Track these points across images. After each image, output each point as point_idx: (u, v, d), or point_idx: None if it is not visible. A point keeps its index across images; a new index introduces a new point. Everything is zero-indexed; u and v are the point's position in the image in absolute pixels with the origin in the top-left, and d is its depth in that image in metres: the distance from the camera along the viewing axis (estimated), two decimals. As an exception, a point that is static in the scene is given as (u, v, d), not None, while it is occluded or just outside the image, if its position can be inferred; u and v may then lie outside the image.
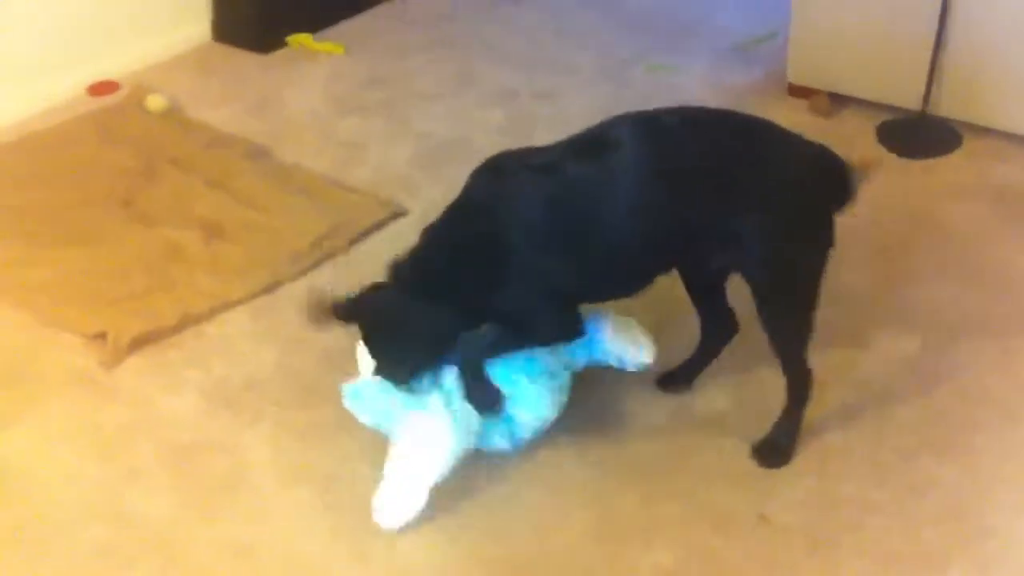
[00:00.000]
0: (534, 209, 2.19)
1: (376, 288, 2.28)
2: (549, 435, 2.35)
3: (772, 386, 2.53)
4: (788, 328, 2.28)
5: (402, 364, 2.27)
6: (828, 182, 2.27)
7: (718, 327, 2.49)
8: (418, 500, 2.17)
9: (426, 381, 2.28)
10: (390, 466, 2.20)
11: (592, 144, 2.23)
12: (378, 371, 2.31)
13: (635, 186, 2.17)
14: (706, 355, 2.53)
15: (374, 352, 2.30)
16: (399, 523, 2.18)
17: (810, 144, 2.27)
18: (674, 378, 2.53)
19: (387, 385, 2.26)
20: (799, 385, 2.33)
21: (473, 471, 2.28)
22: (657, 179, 2.17)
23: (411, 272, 2.25)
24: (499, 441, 2.28)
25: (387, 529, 2.18)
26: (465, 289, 2.21)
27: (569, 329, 2.31)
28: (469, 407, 2.21)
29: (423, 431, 2.17)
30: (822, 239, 2.26)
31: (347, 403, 2.29)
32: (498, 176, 2.26)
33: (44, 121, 3.65)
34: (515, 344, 2.28)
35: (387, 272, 2.28)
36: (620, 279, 2.30)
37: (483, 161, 2.29)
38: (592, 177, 2.19)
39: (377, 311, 2.27)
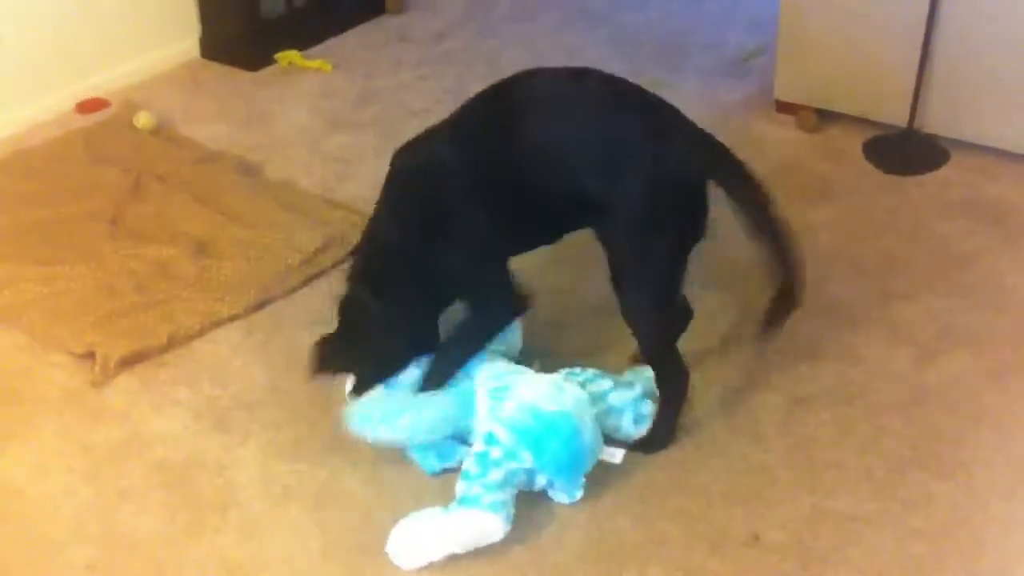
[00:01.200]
0: (451, 170, 2.30)
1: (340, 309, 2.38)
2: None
3: (763, 405, 2.54)
4: (637, 310, 2.33)
5: (382, 367, 2.36)
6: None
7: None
8: (436, 556, 2.17)
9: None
10: (430, 522, 2.17)
11: (497, 97, 2.35)
12: (357, 386, 2.37)
13: (529, 136, 2.27)
14: None
15: (354, 367, 2.37)
16: (407, 565, 2.17)
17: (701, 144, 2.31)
18: None
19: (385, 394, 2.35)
20: (665, 381, 2.38)
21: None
22: (544, 133, 2.26)
23: (364, 269, 2.36)
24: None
25: (396, 563, 2.17)
26: (417, 264, 2.31)
27: (509, 295, 2.41)
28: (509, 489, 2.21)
29: (477, 529, 2.16)
30: (678, 226, 2.28)
31: (355, 427, 2.33)
32: (412, 150, 2.37)
33: (32, 139, 3.64)
34: (476, 337, 2.38)
35: (347, 280, 2.38)
36: (533, 226, 2.37)
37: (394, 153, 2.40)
38: (494, 128, 2.31)
39: (347, 327, 2.35)
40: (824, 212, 3.21)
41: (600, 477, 2.33)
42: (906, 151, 3.51)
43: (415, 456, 2.36)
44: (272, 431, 2.50)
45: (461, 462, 2.27)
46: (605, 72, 2.34)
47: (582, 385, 2.35)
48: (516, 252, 2.44)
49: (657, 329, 2.37)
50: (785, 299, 2.32)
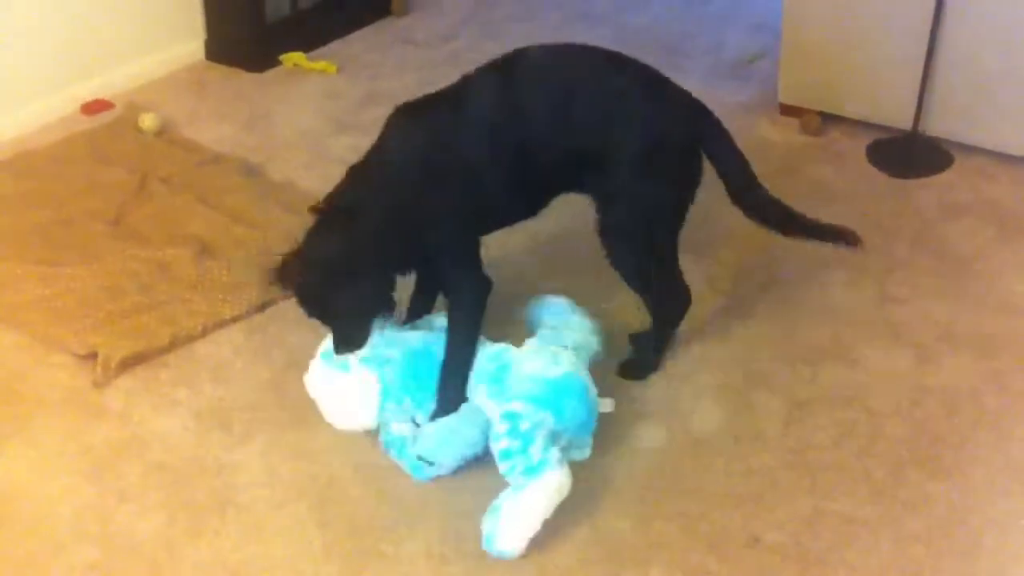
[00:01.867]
0: (445, 135, 2.36)
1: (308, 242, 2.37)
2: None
3: (763, 407, 2.54)
4: (626, 260, 2.44)
5: (359, 314, 2.34)
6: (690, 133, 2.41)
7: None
8: (535, 531, 2.20)
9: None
10: (517, 504, 2.18)
11: (492, 72, 2.42)
12: (337, 338, 2.34)
13: (523, 106, 2.36)
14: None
15: (328, 312, 2.34)
16: (518, 551, 2.18)
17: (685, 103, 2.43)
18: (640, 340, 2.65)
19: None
20: (662, 303, 2.49)
21: (469, 492, 2.27)
22: (537, 101, 2.36)
23: (348, 210, 2.34)
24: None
25: (507, 555, 2.17)
26: (400, 221, 2.31)
27: (481, 278, 2.42)
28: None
29: (556, 488, 2.19)
30: (678, 180, 2.41)
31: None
32: (409, 115, 2.41)
33: (37, 140, 3.65)
34: (469, 326, 2.39)
35: (319, 211, 2.37)
36: (522, 193, 2.43)
37: (394, 109, 2.42)
38: (489, 101, 2.38)
39: (317, 268, 2.34)
40: (827, 215, 3.17)
41: (599, 478, 2.34)
42: (909, 154, 3.51)
43: (405, 464, 2.36)
44: (273, 432, 2.51)
45: (452, 469, 2.33)
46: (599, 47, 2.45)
47: None
48: (502, 224, 2.50)
49: (645, 271, 2.46)
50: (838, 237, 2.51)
